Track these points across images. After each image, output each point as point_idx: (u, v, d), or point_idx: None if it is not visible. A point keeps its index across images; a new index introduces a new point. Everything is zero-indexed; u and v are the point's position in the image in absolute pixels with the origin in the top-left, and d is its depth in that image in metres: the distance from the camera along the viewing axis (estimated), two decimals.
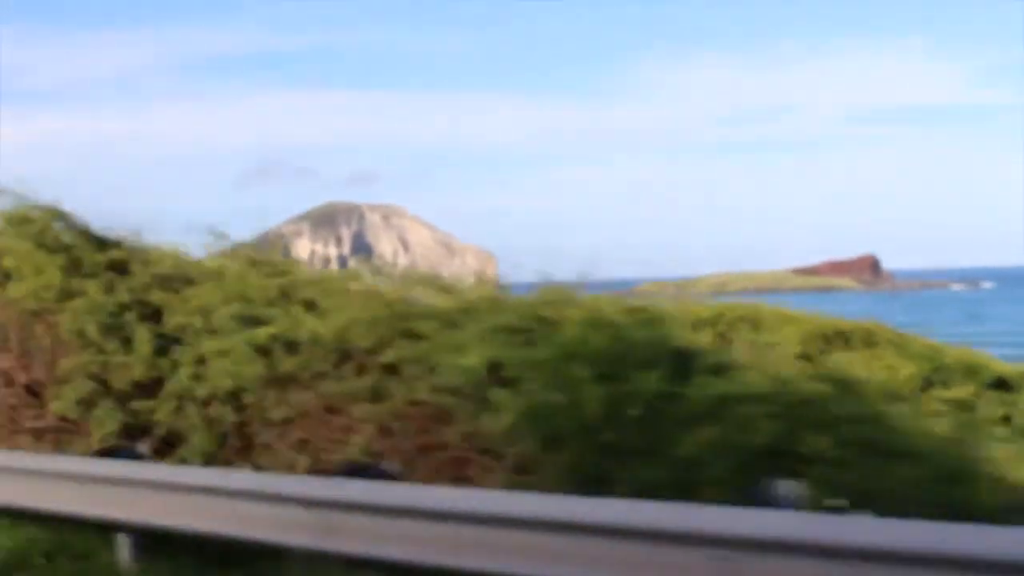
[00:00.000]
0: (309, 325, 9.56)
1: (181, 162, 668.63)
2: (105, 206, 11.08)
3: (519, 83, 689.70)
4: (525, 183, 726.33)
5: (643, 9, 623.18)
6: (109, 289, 10.63)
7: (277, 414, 9.35)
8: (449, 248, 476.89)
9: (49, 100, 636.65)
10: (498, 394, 8.42)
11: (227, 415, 9.55)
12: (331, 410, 9.20)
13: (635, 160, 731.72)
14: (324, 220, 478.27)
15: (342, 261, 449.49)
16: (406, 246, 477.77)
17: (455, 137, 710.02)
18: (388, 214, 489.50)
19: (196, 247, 11.35)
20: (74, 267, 10.89)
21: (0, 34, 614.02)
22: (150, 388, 10.01)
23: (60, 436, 10.23)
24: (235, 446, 9.55)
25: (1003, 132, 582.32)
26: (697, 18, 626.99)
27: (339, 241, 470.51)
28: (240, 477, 8.13)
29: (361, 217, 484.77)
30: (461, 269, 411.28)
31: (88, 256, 10.98)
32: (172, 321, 10.28)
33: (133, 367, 10.06)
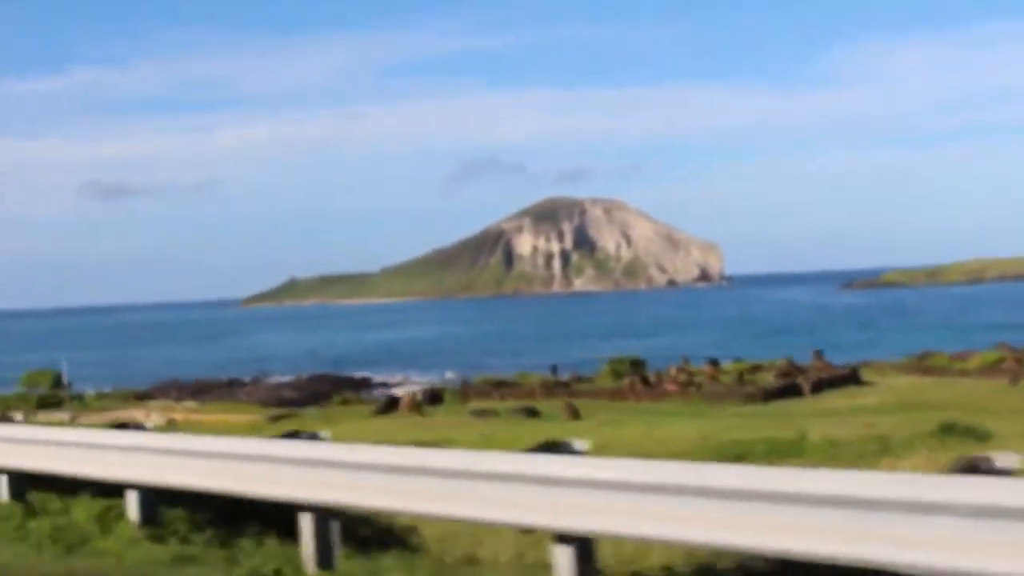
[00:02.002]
0: None
1: (392, 162, 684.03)
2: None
3: (727, 73, 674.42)
4: (741, 173, 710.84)
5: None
6: None
7: None
8: (672, 241, 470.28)
9: (261, 105, 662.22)
10: None
11: None
12: None
13: (852, 147, 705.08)
14: (545, 215, 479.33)
15: (564, 256, 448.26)
16: (628, 239, 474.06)
17: (663, 131, 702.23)
18: (609, 208, 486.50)
19: None
20: None
21: (214, 43, 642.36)
22: None
23: None
24: None
25: None
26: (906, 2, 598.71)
27: (561, 236, 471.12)
28: None
29: (582, 211, 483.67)
30: (685, 262, 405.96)
31: None
32: None
33: None
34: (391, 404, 45.13)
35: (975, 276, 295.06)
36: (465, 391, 53.35)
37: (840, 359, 62.97)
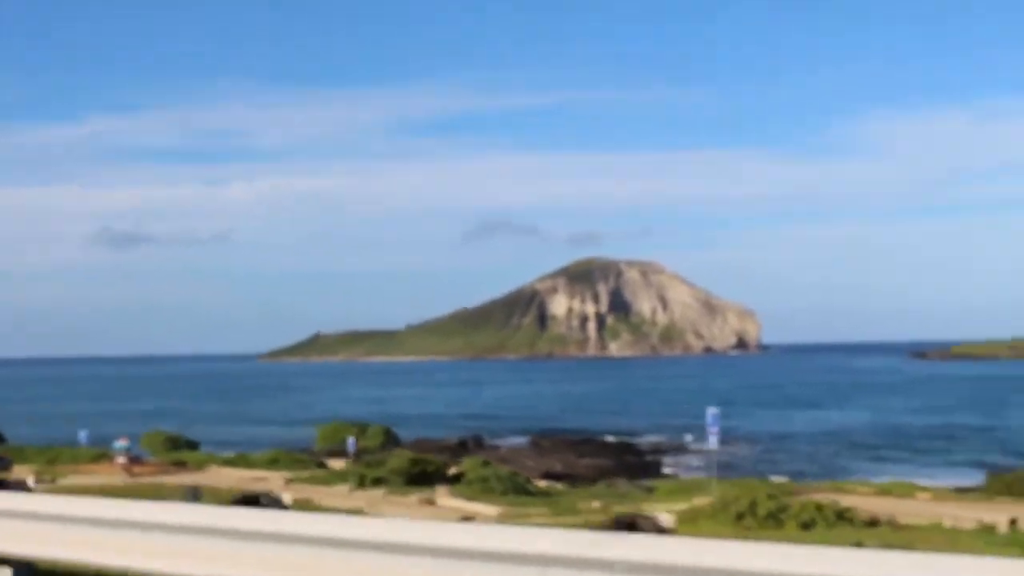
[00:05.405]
0: None
1: (406, 220, 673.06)
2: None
3: (736, 140, 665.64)
4: (760, 241, 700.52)
5: (869, 66, 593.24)
6: None
7: None
8: (710, 306, 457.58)
9: (275, 159, 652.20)
10: None
11: None
12: None
13: (875, 217, 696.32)
14: (580, 276, 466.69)
15: (600, 319, 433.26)
16: (665, 303, 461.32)
17: (678, 195, 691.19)
18: (646, 270, 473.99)
19: None
20: None
21: (230, 95, 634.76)
22: None
23: None
24: None
25: None
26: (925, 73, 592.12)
27: (596, 298, 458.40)
28: None
29: (619, 273, 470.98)
30: (723, 329, 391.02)
31: None
32: None
33: None
34: None
35: None
36: None
37: None
